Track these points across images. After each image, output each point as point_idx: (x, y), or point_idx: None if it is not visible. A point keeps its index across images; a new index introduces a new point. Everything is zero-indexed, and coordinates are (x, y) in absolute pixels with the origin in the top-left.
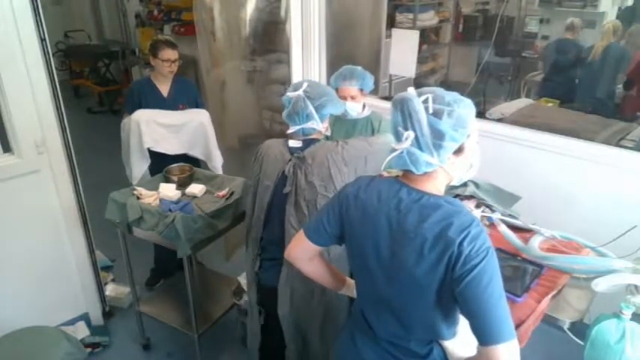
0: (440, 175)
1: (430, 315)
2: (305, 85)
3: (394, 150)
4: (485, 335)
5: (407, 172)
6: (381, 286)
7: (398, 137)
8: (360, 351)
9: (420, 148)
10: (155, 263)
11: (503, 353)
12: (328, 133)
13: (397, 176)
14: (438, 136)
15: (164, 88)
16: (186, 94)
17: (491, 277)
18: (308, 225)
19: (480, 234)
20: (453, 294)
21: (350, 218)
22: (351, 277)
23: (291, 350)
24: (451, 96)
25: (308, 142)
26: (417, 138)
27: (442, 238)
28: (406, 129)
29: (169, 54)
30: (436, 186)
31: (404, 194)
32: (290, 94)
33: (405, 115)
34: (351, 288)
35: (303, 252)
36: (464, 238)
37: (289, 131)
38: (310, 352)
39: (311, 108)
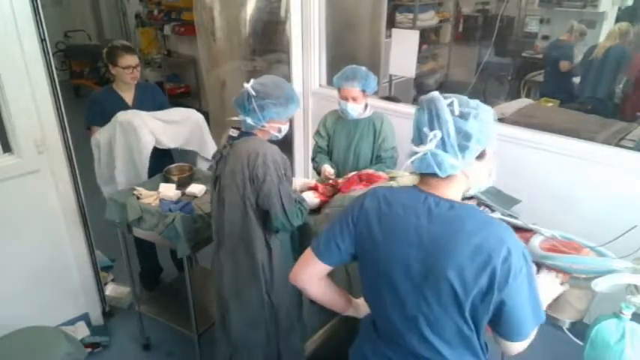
0: (460, 180)
1: (462, 328)
2: (258, 81)
3: (415, 152)
4: (508, 334)
5: (427, 179)
6: (410, 301)
7: (421, 139)
8: None
9: (445, 149)
10: (141, 265)
11: (519, 348)
12: (280, 136)
13: (415, 185)
14: (465, 137)
15: (128, 96)
16: (152, 99)
17: (530, 283)
18: (317, 244)
19: (516, 241)
20: (488, 305)
21: (372, 233)
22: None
23: (217, 321)
24: (474, 101)
25: (243, 134)
26: (442, 139)
27: (483, 249)
28: (432, 129)
29: (129, 60)
30: (456, 192)
31: (432, 203)
32: (245, 84)
33: (432, 115)
34: (357, 309)
35: (312, 273)
36: (509, 253)
37: (235, 118)
38: (230, 323)
39: (254, 105)
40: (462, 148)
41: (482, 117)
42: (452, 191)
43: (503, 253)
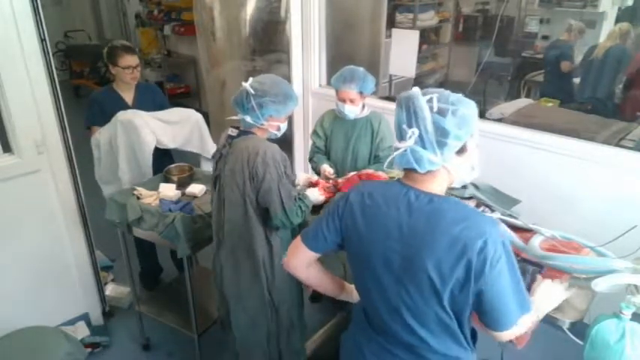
0: (442, 174)
1: (443, 317)
2: (256, 79)
3: (397, 148)
4: (493, 324)
5: (410, 173)
6: (392, 292)
7: (402, 135)
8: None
9: (423, 146)
10: (141, 265)
11: (507, 336)
12: (279, 134)
13: (398, 179)
14: (443, 133)
15: (128, 96)
16: (152, 99)
17: (511, 272)
18: (306, 233)
19: (496, 233)
20: (467, 295)
21: (356, 226)
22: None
23: (220, 314)
24: (455, 96)
25: (242, 133)
26: (420, 136)
27: (460, 240)
28: (410, 126)
29: (129, 60)
30: (439, 186)
31: (412, 197)
32: (244, 83)
33: (410, 113)
34: (350, 293)
35: (301, 260)
36: (485, 244)
37: (234, 117)
38: (232, 323)
39: (253, 103)
40: (441, 145)
41: (462, 112)
42: (434, 185)
43: (479, 244)
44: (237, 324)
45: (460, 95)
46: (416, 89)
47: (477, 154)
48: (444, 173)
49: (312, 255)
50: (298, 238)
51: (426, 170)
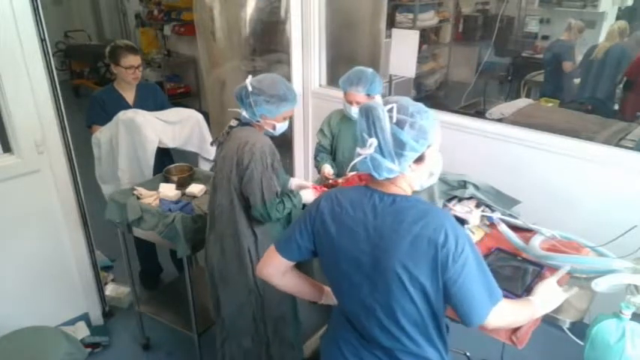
0: (401, 180)
1: (415, 316)
2: (257, 78)
3: (359, 154)
4: (466, 318)
5: (372, 178)
6: (365, 293)
7: (363, 143)
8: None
9: (382, 154)
10: (141, 265)
11: (493, 321)
12: (275, 133)
13: (365, 184)
14: (400, 145)
15: (129, 96)
16: (153, 99)
17: (477, 262)
18: (279, 241)
19: (455, 226)
20: (438, 290)
21: (328, 232)
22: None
23: (212, 307)
24: (415, 107)
25: (241, 124)
26: (380, 145)
27: (422, 237)
28: (370, 136)
29: (132, 60)
30: (400, 189)
31: (377, 199)
32: (247, 80)
33: (369, 123)
34: (330, 296)
35: (275, 268)
36: (446, 238)
37: (237, 110)
38: (220, 307)
39: (250, 100)
40: (398, 155)
41: (420, 125)
42: (396, 188)
43: (441, 239)
44: (226, 309)
45: (420, 105)
46: (378, 99)
47: (441, 160)
48: (403, 179)
49: (286, 263)
50: (272, 247)
51: (385, 178)
